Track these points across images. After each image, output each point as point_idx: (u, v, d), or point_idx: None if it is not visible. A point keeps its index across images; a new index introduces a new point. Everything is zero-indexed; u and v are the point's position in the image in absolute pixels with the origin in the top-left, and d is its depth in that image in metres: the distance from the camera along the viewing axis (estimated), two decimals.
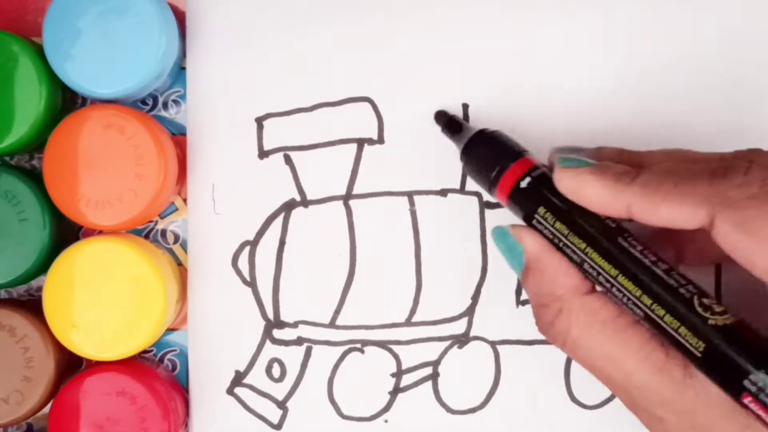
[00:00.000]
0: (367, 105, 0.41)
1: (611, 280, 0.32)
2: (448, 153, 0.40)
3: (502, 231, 0.35)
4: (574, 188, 0.33)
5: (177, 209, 0.41)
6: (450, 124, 0.39)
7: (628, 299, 0.31)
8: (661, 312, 0.30)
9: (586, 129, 0.40)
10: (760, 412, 0.28)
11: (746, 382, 0.28)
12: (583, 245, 0.32)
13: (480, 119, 0.40)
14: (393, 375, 0.41)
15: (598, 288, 0.33)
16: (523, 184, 0.34)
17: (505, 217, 0.40)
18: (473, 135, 0.37)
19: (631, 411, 0.32)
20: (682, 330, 0.30)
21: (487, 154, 0.36)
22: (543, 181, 0.34)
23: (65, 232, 0.40)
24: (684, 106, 0.40)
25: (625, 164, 0.33)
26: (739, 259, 0.29)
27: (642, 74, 0.40)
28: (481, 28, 0.40)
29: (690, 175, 0.31)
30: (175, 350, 0.41)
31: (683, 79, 0.40)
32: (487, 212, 0.41)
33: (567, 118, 0.40)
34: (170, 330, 0.41)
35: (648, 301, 0.31)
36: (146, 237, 0.41)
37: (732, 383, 0.29)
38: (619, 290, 0.32)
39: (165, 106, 0.41)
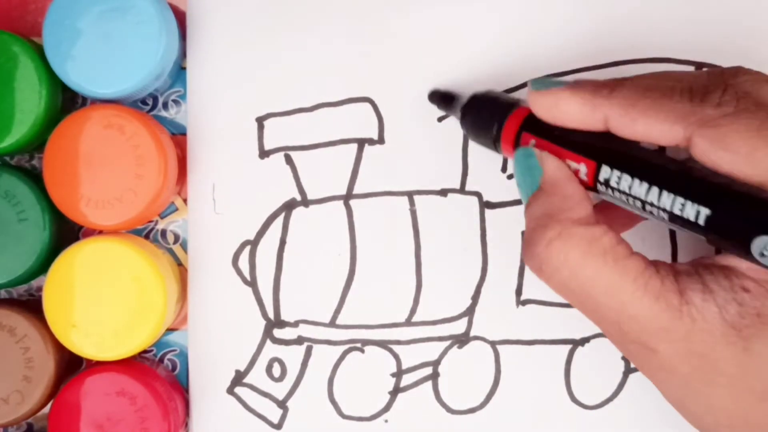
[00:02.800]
0: (367, 105, 0.41)
1: (614, 172, 0.32)
2: (449, 153, 0.40)
3: (527, 151, 0.34)
4: (550, 107, 0.33)
5: (177, 209, 0.41)
6: (444, 98, 0.39)
7: (630, 188, 0.31)
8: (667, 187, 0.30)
9: None
10: None
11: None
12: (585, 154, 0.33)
13: None
14: (393, 375, 0.41)
15: (601, 188, 0.33)
16: (523, 131, 0.35)
17: (506, 216, 0.40)
18: (466, 102, 0.38)
19: (620, 347, 0.32)
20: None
21: (483, 114, 0.37)
22: (539, 128, 0.34)
23: (65, 232, 0.40)
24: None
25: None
26: (720, 173, 0.30)
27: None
28: (481, 28, 0.40)
29: (669, 92, 0.31)
30: (175, 350, 0.41)
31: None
32: (487, 212, 0.41)
33: None
34: (170, 330, 0.41)
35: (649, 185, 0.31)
36: (146, 237, 0.41)
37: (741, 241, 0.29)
38: (618, 178, 0.32)
39: (165, 106, 0.41)
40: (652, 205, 0.31)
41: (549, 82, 0.34)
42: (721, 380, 0.30)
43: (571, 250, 0.31)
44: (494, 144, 0.36)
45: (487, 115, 0.36)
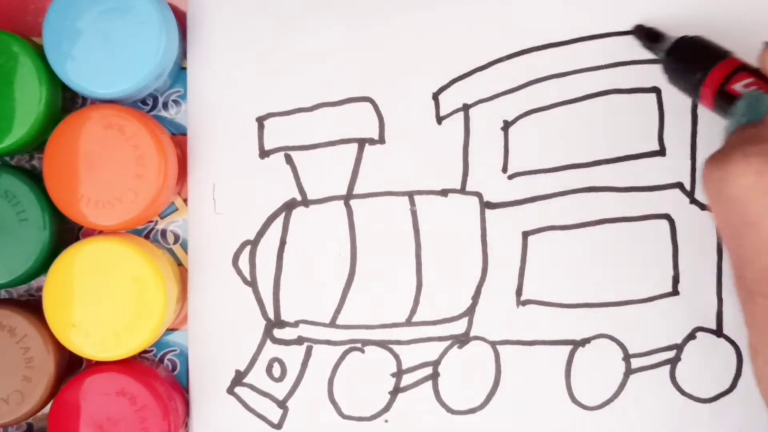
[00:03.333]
0: (367, 105, 0.41)
1: None
2: (449, 153, 0.40)
3: (762, 95, 0.34)
4: None
5: (177, 209, 0.41)
6: (649, 35, 0.39)
7: None
8: None
9: (588, 127, 0.40)
10: None
11: None
12: None
13: (481, 119, 0.40)
14: (393, 375, 0.41)
15: None
16: (733, 83, 0.35)
17: (506, 216, 0.40)
18: (675, 41, 0.38)
19: (744, 279, 0.32)
20: None
21: (691, 58, 0.37)
22: (753, 73, 0.35)
23: (65, 232, 0.40)
24: None
25: None
26: None
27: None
28: (481, 29, 0.40)
29: None
30: (175, 350, 0.41)
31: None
32: (488, 212, 0.41)
33: (570, 115, 0.40)
34: (170, 330, 0.41)
35: None
36: (146, 237, 0.41)
37: None
38: None
39: (165, 106, 0.41)
40: None
41: None
42: None
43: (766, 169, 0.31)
44: (694, 90, 0.36)
45: (695, 60, 0.36)
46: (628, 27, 0.40)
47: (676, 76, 0.38)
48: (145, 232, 0.41)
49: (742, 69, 0.35)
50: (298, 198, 0.41)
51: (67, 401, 0.38)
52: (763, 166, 0.31)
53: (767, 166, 0.31)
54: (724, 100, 0.35)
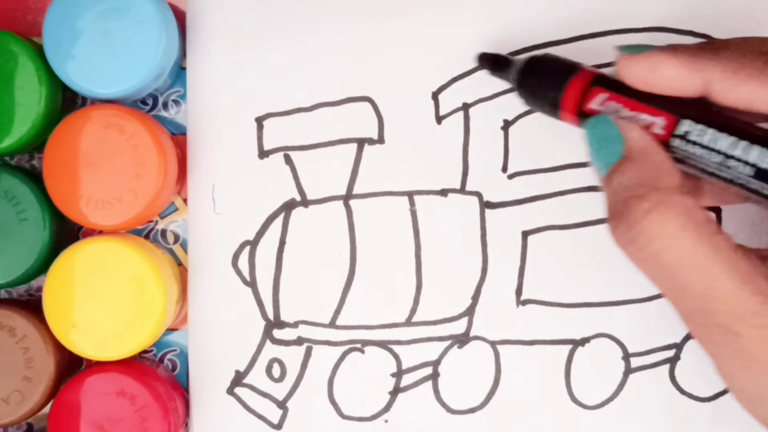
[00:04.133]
0: (367, 105, 0.41)
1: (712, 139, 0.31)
2: (449, 153, 0.41)
3: (604, 119, 0.32)
4: (647, 72, 0.31)
5: (177, 209, 0.41)
6: (496, 62, 0.38)
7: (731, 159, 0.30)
8: None
9: None
10: None
11: None
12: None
13: (481, 119, 0.40)
14: (393, 375, 0.41)
15: (677, 143, 0.31)
16: (589, 101, 0.33)
17: (506, 216, 0.40)
18: (523, 65, 0.36)
19: (699, 330, 0.31)
20: None
21: (543, 78, 0.35)
22: (609, 85, 0.33)
23: (65, 232, 0.40)
24: None
25: None
26: None
27: None
28: (481, 29, 0.40)
29: None
30: (175, 350, 0.41)
31: None
32: (487, 212, 0.41)
33: None
34: (170, 330, 0.41)
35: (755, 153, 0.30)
36: (146, 237, 0.41)
37: None
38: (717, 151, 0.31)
39: (165, 106, 0.41)
40: (737, 160, 0.30)
41: (641, 46, 0.32)
42: None
43: (669, 220, 0.29)
44: (554, 110, 0.34)
45: (548, 79, 0.34)
46: (627, 26, 0.40)
47: (532, 101, 0.36)
48: (145, 232, 0.41)
49: (598, 82, 0.33)
50: (298, 198, 0.41)
51: (67, 401, 0.38)
52: (665, 219, 0.29)
53: (668, 218, 0.29)
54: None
